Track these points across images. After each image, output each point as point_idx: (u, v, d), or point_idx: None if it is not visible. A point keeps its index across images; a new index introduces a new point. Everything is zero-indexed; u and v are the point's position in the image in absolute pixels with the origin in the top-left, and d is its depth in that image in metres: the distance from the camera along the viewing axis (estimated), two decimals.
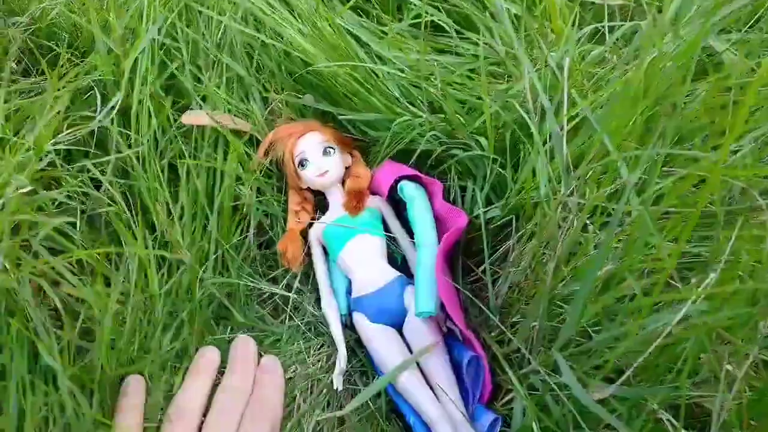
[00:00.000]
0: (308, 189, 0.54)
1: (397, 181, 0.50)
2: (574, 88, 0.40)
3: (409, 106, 0.51)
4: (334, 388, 0.45)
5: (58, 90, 0.51)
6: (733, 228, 0.29)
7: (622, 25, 0.46)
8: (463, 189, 0.51)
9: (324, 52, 0.52)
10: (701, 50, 0.43)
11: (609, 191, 0.36)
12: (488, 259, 0.46)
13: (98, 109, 0.53)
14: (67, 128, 0.52)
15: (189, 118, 0.53)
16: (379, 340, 0.45)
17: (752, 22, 0.49)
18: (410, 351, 0.45)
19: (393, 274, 0.48)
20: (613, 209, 0.32)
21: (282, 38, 0.56)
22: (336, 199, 0.52)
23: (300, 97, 0.56)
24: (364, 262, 0.49)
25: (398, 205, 0.53)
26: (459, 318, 0.43)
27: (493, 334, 0.45)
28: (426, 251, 0.46)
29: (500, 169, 0.48)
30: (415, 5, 0.59)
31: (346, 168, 0.53)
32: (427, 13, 0.53)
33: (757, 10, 0.47)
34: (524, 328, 0.40)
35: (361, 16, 0.59)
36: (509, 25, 0.45)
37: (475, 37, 0.53)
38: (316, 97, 0.56)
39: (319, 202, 0.56)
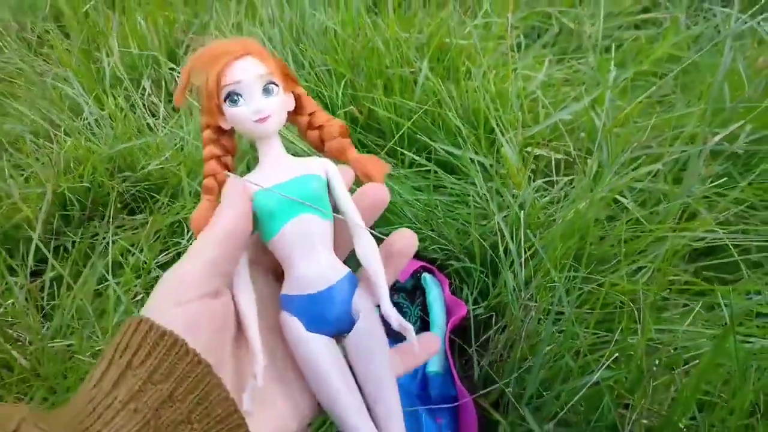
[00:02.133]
0: (230, 134, 0.37)
1: (419, 271, 0.70)
2: (530, 227, 0.61)
3: (420, 226, 0.72)
4: (243, 409, 0.31)
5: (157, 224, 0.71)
6: (623, 321, 0.49)
7: (560, 179, 0.68)
8: (461, 290, 0.70)
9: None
10: (612, 201, 0.65)
11: (551, 297, 0.55)
12: (475, 343, 0.65)
13: (185, 237, 0.73)
14: (161, 252, 0.71)
15: None
16: (316, 352, 0.33)
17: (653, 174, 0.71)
18: (348, 365, 0.34)
19: (343, 270, 0.35)
20: (551, 308, 0.52)
21: None
22: (272, 155, 0.36)
23: None
24: (307, 251, 0.34)
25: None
26: (457, 376, 0.61)
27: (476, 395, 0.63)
28: (438, 330, 0.65)
29: (485, 278, 0.68)
30: (411, 156, 0.81)
31: (289, 114, 0.38)
32: (424, 165, 0.75)
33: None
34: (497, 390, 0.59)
35: None
36: (482, 183, 0.66)
37: (455, 178, 0.75)
38: None
39: None
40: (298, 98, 0.37)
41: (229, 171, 0.36)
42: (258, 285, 0.35)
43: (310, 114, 0.37)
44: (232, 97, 0.34)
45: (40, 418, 0.25)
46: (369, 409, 0.33)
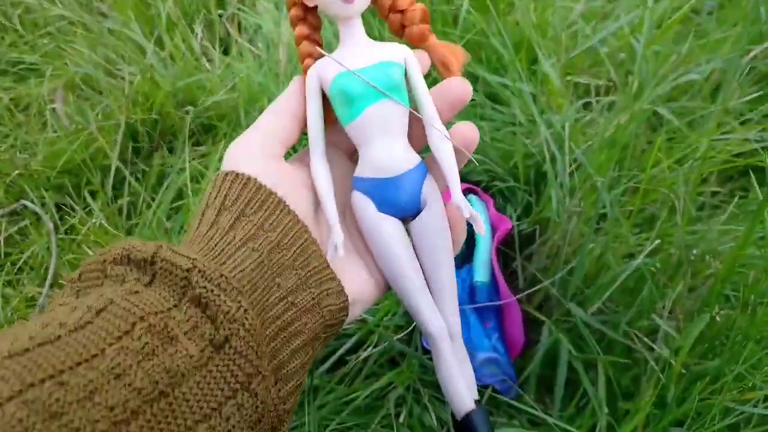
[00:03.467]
0: (315, 12, 0.38)
1: (464, 192, 0.75)
2: (572, 142, 0.65)
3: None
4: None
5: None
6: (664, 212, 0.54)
7: (600, 99, 0.71)
8: (504, 208, 0.75)
9: None
10: (653, 114, 0.69)
11: (594, 200, 0.60)
12: (519, 256, 0.70)
13: None
14: None
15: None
16: (387, 233, 0.36)
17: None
18: (414, 249, 0.37)
19: (415, 159, 0.36)
20: (595, 212, 0.56)
21: None
22: (353, 37, 0.36)
23: None
24: (384, 137, 0.35)
25: None
26: (503, 282, 0.66)
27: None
28: (484, 242, 0.70)
29: (528, 196, 0.72)
30: None
31: None
32: None
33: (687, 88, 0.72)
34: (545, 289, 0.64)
35: None
36: (531, 101, 0.70)
37: (503, 108, 0.79)
38: None
39: None
40: None
41: (319, 46, 0.37)
42: (332, 165, 0.37)
43: None
44: None
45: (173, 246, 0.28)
46: (427, 281, 0.36)
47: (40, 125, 0.89)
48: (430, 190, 0.36)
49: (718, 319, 0.52)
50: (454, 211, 0.36)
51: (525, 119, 0.75)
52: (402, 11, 0.37)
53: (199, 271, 0.26)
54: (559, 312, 0.62)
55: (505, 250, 0.73)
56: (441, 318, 0.35)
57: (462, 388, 0.35)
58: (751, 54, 0.67)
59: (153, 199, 0.75)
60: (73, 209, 0.78)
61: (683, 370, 0.47)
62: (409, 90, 0.36)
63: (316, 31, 0.38)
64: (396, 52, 0.36)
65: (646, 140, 0.66)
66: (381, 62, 0.35)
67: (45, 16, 1.09)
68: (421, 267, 0.36)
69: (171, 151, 0.84)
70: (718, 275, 0.50)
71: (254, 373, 0.26)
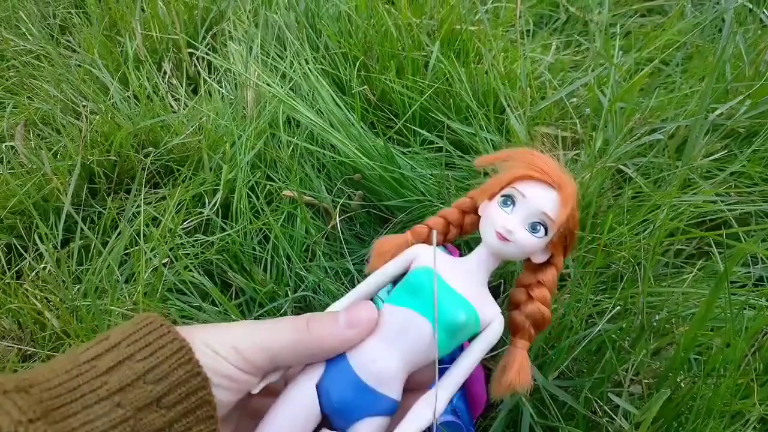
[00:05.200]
0: (475, 218, 0.37)
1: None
2: None
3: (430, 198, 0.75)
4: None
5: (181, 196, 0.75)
6: (626, 275, 0.52)
7: (566, 153, 0.71)
8: None
9: (371, 160, 0.77)
10: (617, 172, 0.68)
11: None
12: None
13: (206, 205, 0.77)
14: (184, 221, 0.75)
15: (286, 193, 0.76)
16: (292, 395, 0.32)
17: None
18: None
19: (394, 393, 0.32)
20: None
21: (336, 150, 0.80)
22: (475, 265, 0.34)
23: (353, 193, 0.80)
24: (392, 344, 0.32)
25: None
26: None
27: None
28: None
29: None
30: (424, 134, 0.84)
31: (530, 261, 0.35)
32: (434, 142, 0.78)
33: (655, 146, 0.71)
34: None
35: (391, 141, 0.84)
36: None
37: (469, 157, 0.78)
38: (364, 192, 0.80)
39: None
40: (548, 266, 0.35)
41: (447, 242, 0.37)
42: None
43: (539, 282, 0.35)
44: (506, 200, 0.33)
45: (12, 389, 0.24)
46: None
47: None
48: (368, 429, 0.31)
49: (682, 386, 0.51)
50: None
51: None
52: (530, 297, 0.35)
53: None
54: None
55: None
56: None
57: None
58: (717, 112, 0.68)
59: (106, 244, 0.72)
60: (22, 252, 0.75)
61: None
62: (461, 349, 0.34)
63: (457, 227, 0.37)
64: (488, 310, 0.33)
65: (612, 197, 0.66)
66: (466, 300, 0.32)
67: (11, 49, 1.07)
68: None
69: (129, 192, 0.81)
70: (681, 342, 0.48)
71: None
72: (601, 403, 0.53)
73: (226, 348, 0.29)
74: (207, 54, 0.96)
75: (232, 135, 0.81)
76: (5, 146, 0.85)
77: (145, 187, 0.78)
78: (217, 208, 0.76)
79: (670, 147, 0.69)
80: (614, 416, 0.48)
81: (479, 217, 0.35)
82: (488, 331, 0.33)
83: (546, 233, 0.33)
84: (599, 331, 0.51)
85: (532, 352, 0.58)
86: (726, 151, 0.68)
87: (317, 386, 0.31)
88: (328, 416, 0.31)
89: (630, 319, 0.51)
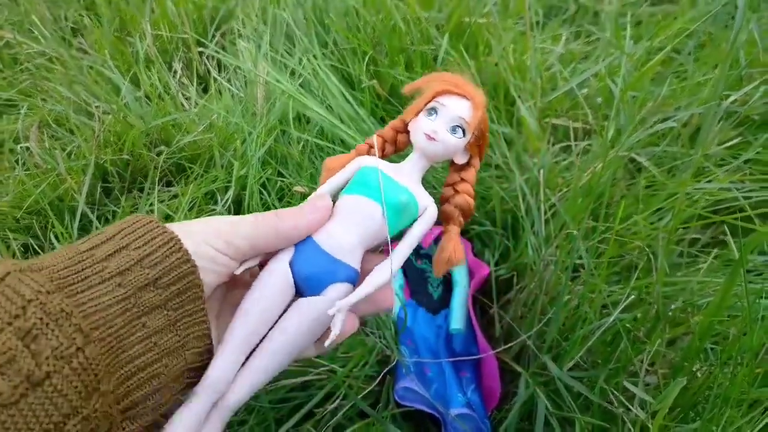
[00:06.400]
0: (407, 135, 0.42)
1: (441, 236, 0.73)
2: (549, 188, 0.63)
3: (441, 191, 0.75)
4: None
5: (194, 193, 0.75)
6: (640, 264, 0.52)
7: (578, 144, 0.70)
8: (482, 253, 0.73)
9: None
10: (631, 161, 0.67)
11: (570, 250, 0.58)
12: (496, 303, 0.68)
13: (219, 202, 0.77)
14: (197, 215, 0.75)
15: (298, 189, 0.76)
16: (277, 281, 0.36)
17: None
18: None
19: (354, 263, 0.38)
20: (570, 261, 0.54)
21: (346, 145, 0.80)
22: (407, 168, 0.40)
23: None
24: (354, 224, 0.38)
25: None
26: (480, 331, 0.64)
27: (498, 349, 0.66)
28: (461, 289, 0.68)
29: (505, 241, 0.71)
30: None
31: (452, 162, 0.42)
32: None
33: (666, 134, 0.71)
34: (520, 343, 0.61)
35: None
36: (503, 151, 0.69)
37: None
38: None
39: None
40: (468, 165, 0.42)
41: (384, 157, 0.42)
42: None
43: (462, 179, 0.42)
44: (431, 111, 0.40)
45: (26, 268, 0.27)
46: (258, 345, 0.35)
47: (12, 164, 0.87)
48: (337, 290, 0.37)
49: (698, 375, 0.50)
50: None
51: (502, 162, 0.74)
52: (456, 191, 0.41)
53: (40, 303, 0.25)
54: (536, 364, 0.59)
55: (482, 298, 0.71)
56: (226, 375, 0.34)
57: None
58: (731, 99, 0.67)
59: None
60: (38, 251, 0.76)
61: None
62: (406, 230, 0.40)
63: (393, 144, 0.42)
64: (424, 198, 0.40)
65: (625, 186, 0.65)
66: (405, 188, 0.39)
67: (25, 52, 1.08)
68: (267, 334, 0.36)
69: (142, 191, 0.82)
70: (696, 332, 0.48)
71: (71, 414, 0.25)
72: (617, 393, 0.53)
73: (215, 238, 0.34)
74: (216, 52, 0.96)
75: (243, 132, 0.81)
76: (20, 147, 0.86)
77: (157, 185, 0.78)
78: (230, 205, 0.77)
79: (684, 135, 0.68)
80: (630, 406, 0.47)
81: (409, 135, 0.42)
82: (425, 214, 0.40)
83: (464, 135, 0.40)
84: (614, 320, 0.50)
85: (546, 344, 0.58)
86: (740, 138, 0.67)
87: (290, 264, 0.37)
88: (300, 288, 0.37)
89: (645, 308, 0.51)
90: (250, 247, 0.35)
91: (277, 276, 0.36)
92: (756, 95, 0.67)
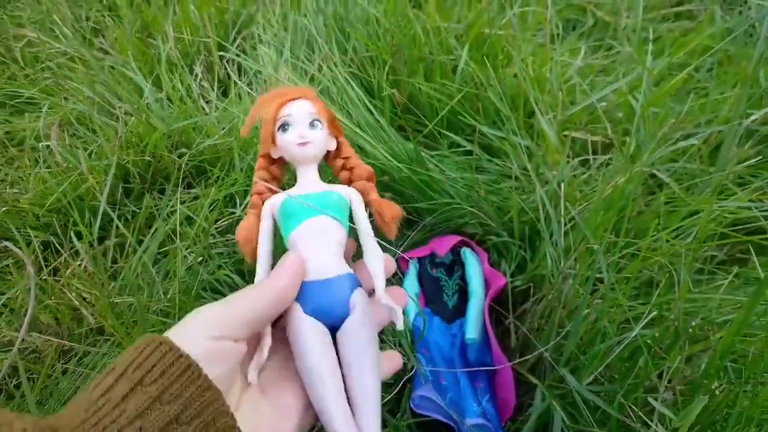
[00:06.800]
0: (279, 164, 0.45)
1: (458, 246, 0.74)
2: (568, 201, 0.64)
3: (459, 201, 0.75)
4: (249, 381, 0.36)
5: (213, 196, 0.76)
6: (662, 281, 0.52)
7: (597, 158, 0.71)
8: (498, 264, 0.73)
9: (400, 163, 0.77)
10: (651, 176, 0.67)
11: (590, 264, 0.58)
12: (512, 314, 0.68)
13: (238, 208, 0.78)
14: (217, 221, 0.76)
15: None
16: (310, 334, 0.37)
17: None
18: (338, 357, 0.38)
19: (346, 269, 0.40)
20: (591, 274, 0.55)
21: (364, 152, 0.81)
22: (308, 179, 0.43)
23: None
24: (318, 245, 0.40)
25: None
26: (495, 341, 0.64)
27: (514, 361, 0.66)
28: (477, 299, 0.68)
29: (522, 252, 0.71)
30: (453, 138, 0.84)
31: (328, 152, 0.45)
32: (462, 145, 0.78)
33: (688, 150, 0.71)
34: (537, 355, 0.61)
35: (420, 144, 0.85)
36: (522, 162, 0.69)
37: (498, 161, 0.78)
38: (393, 195, 0.80)
39: None
40: (339, 145, 0.45)
41: (272, 194, 0.43)
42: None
43: (345, 158, 0.45)
44: (284, 127, 0.42)
45: (45, 427, 0.25)
46: (348, 391, 0.36)
47: (33, 161, 0.88)
48: (358, 298, 0.39)
49: (717, 393, 0.50)
50: (380, 305, 0.40)
51: (521, 173, 0.74)
52: (351, 168, 0.45)
53: None
54: (552, 377, 0.60)
55: (498, 308, 0.71)
56: (355, 429, 0.34)
57: None
58: (751, 118, 0.67)
59: (140, 242, 0.74)
60: (59, 249, 0.77)
61: None
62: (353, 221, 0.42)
63: (275, 180, 0.44)
64: (341, 188, 0.43)
65: (645, 202, 0.65)
66: (324, 191, 0.42)
67: (46, 51, 1.09)
68: (346, 376, 0.36)
69: (162, 192, 0.82)
70: (717, 349, 0.48)
71: None
72: (636, 409, 0.53)
73: (213, 336, 0.32)
74: (237, 56, 0.97)
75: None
76: (41, 145, 0.87)
77: (180, 186, 0.79)
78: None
79: (703, 152, 0.68)
80: (649, 422, 0.48)
81: (280, 162, 0.45)
82: (352, 196, 0.43)
83: (322, 125, 0.43)
84: (635, 336, 0.50)
85: (563, 357, 0.58)
86: (760, 157, 0.67)
87: (305, 313, 0.38)
88: (330, 324, 0.38)
89: (665, 325, 0.51)
90: (251, 330, 0.35)
91: (308, 327, 0.37)
92: None
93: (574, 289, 0.59)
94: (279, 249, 0.42)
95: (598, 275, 0.57)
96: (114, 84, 0.93)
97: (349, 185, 0.44)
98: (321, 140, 0.43)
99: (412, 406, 0.61)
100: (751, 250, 0.55)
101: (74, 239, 0.74)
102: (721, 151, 0.63)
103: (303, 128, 0.42)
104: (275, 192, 0.43)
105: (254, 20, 1.08)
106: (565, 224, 0.62)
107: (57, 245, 0.77)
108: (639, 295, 0.59)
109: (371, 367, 0.37)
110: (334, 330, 0.38)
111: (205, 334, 0.32)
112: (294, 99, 0.43)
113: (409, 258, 0.77)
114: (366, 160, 0.81)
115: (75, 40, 1.11)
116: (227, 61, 1.01)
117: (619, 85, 0.72)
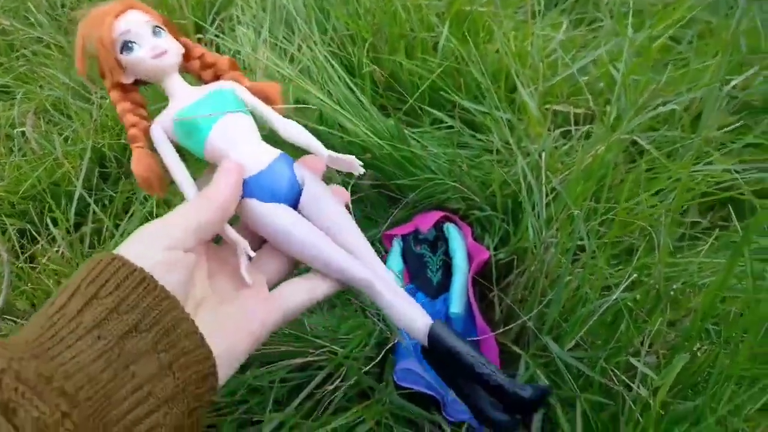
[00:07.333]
0: (135, 90, 0.42)
1: (441, 221, 0.73)
2: (549, 171, 0.63)
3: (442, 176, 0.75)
4: (247, 283, 0.37)
5: None
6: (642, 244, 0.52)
7: (579, 128, 0.70)
8: (482, 238, 0.73)
9: (381, 140, 0.76)
10: (632, 144, 0.67)
11: (571, 231, 0.58)
12: (496, 287, 0.68)
13: None
14: None
15: None
16: (282, 215, 0.37)
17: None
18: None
19: (277, 151, 0.40)
20: (572, 243, 0.54)
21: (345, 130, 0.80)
22: (178, 87, 0.41)
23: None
24: (241, 141, 0.38)
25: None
26: (479, 314, 0.64)
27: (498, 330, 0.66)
28: (461, 273, 0.68)
29: (506, 226, 0.70)
30: (435, 114, 0.84)
31: (183, 59, 0.43)
32: (444, 121, 0.78)
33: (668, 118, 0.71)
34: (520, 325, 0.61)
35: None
36: (507, 130, 0.69)
37: (480, 136, 0.77)
38: (375, 173, 0.80)
39: None
40: (185, 46, 0.42)
41: (146, 120, 0.41)
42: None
43: (200, 57, 0.43)
44: (127, 45, 0.39)
45: (1, 343, 0.25)
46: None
47: (8, 150, 0.86)
48: (302, 171, 0.40)
49: (699, 354, 0.50)
50: (335, 164, 0.41)
51: (503, 147, 0.74)
52: (212, 65, 0.43)
53: (14, 372, 0.23)
54: (535, 346, 0.59)
55: (482, 281, 0.70)
56: (364, 266, 0.37)
57: (415, 312, 0.37)
58: (732, 84, 0.67)
59: (117, 227, 0.72)
60: (35, 237, 0.75)
61: (662, 411, 0.45)
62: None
63: (139, 107, 0.41)
64: (216, 84, 0.42)
65: (625, 170, 0.65)
66: (210, 92, 0.40)
67: (21, 38, 1.07)
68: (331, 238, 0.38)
69: None
70: (698, 311, 0.48)
71: None
72: (618, 372, 0.52)
73: (164, 246, 0.32)
74: (216, 37, 0.96)
75: None
76: (16, 132, 0.85)
77: None
78: None
79: (684, 120, 0.68)
80: (631, 384, 0.47)
81: (136, 85, 0.42)
82: (235, 87, 0.42)
83: (164, 31, 0.40)
84: (615, 299, 0.50)
85: (546, 325, 0.58)
86: (740, 123, 0.67)
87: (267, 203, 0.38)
88: (289, 201, 0.39)
89: (645, 288, 0.51)
90: (199, 241, 0.34)
91: (276, 211, 0.38)
92: (757, 81, 0.67)
93: (556, 258, 0.59)
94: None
95: (579, 242, 0.57)
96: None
97: (216, 80, 0.43)
98: (173, 45, 0.41)
99: (395, 379, 0.60)
100: (732, 212, 0.55)
101: (50, 226, 0.73)
102: (702, 117, 0.63)
103: (149, 39, 0.39)
104: (148, 120, 0.41)
105: (232, 2, 1.07)
106: (547, 195, 0.61)
107: (34, 233, 0.76)
108: (620, 263, 0.59)
109: (347, 222, 0.39)
110: (292, 205, 0.39)
111: (155, 246, 0.32)
112: (120, 13, 0.39)
113: (393, 235, 0.77)
114: (347, 138, 0.80)
115: (51, 28, 1.09)
116: (205, 43, 1.00)
117: (599, 53, 0.71)
